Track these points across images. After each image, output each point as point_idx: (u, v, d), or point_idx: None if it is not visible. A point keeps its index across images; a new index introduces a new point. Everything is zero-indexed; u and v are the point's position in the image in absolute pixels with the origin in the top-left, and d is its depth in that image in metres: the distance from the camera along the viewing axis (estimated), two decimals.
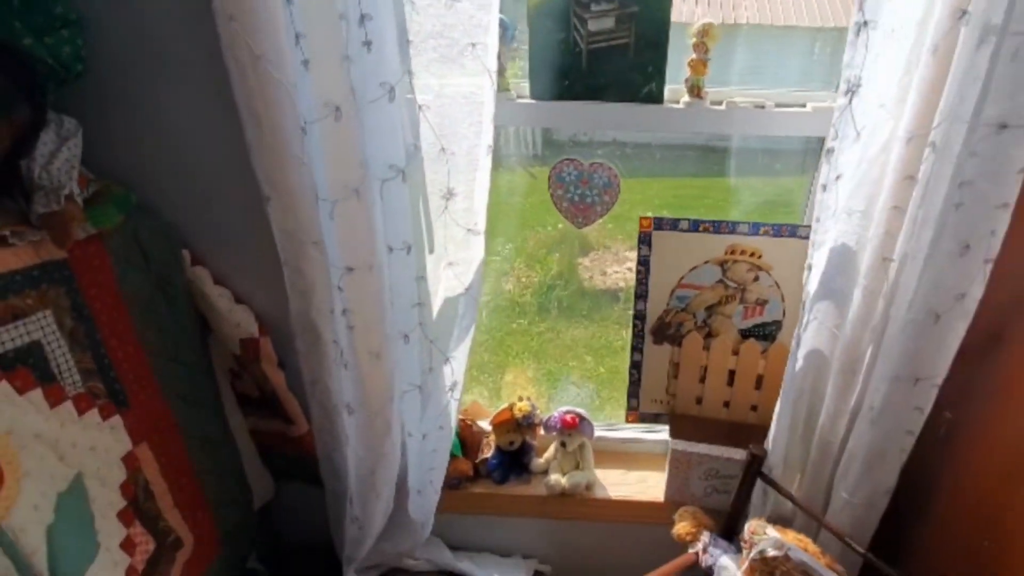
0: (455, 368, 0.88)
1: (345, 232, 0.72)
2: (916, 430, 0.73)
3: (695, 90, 0.84)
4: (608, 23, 0.83)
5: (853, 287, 0.73)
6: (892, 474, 0.76)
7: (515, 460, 1.09)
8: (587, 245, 2.07)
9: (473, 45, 0.71)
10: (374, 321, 0.77)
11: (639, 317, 1.00)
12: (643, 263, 0.96)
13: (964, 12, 0.55)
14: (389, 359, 0.79)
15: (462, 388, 0.90)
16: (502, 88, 0.87)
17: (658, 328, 0.99)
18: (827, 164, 0.68)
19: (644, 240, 0.95)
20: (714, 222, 0.91)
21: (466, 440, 1.11)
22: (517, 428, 1.05)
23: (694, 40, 0.81)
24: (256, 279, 0.86)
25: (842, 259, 0.74)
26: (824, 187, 0.69)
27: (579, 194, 0.96)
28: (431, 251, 0.88)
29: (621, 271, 1.92)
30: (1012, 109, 0.56)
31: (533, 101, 0.90)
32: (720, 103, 0.85)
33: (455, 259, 0.83)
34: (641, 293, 0.98)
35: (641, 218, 0.94)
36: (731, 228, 0.90)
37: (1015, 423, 0.63)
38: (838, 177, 0.68)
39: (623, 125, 0.88)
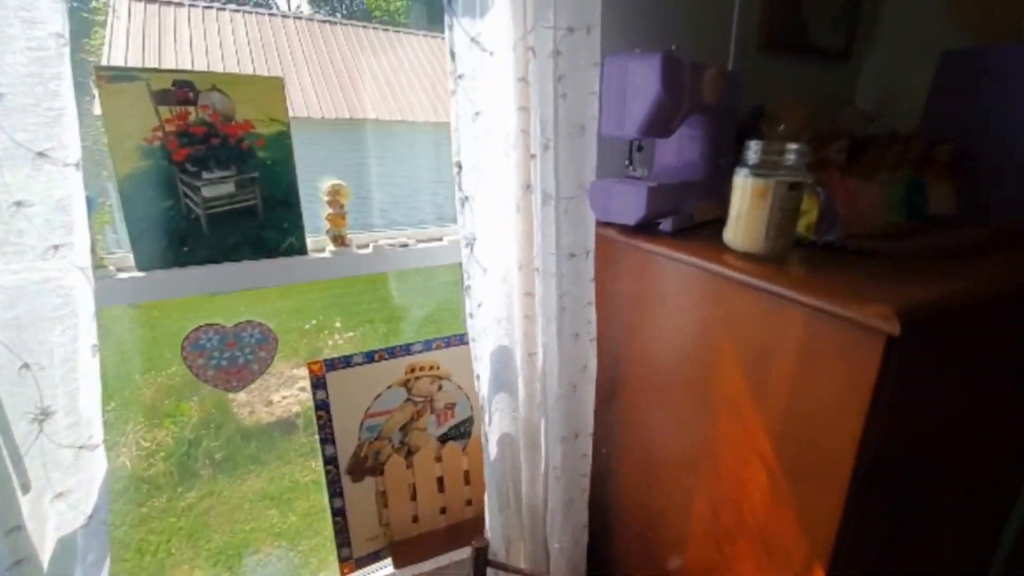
0: None
1: None
2: (588, 472, 0.95)
3: (339, 239, 0.86)
4: (227, 189, 0.76)
5: (517, 378, 0.90)
6: (583, 512, 0.97)
7: None
8: None
9: (56, 247, 0.54)
10: None
11: (331, 462, 0.94)
12: (322, 408, 0.92)
13: (529, 185, 0.77)
14: None
15: None
16: (96, 266, 0.69)
17: (355, 466, 0.96)
18: (468, 298, 0.81)
19: (318, 384, 0.91)
20: (388, 349, 0.95)
21: None
22: None
23: (327, 199, 0.84)
24: None
25: (504, 357, 0.89)
26: (471, 315, 0.82)
27: (227, 358, 0.84)
28: (26, 490, 0.63)
29: (292, 393, 1.72)
30: (575, 240, 0.81)
31: (142, 274, 0.75)
32: (367, 246, 0.90)
33: (66, 487, 0.64)
34: (327, 438, 0.93)
35: (309, 364, 0.90)
36: (406, 350, 0.96)
37: (634, 443, 0.90)
38: (480, 304, 0.82)
39: (267, 281, 0.83)
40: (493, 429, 0.92)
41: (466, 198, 0.73)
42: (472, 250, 0.77)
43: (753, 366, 0.66)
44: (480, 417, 0.91)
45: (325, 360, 0.90)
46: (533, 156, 0.76)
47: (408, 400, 0.98)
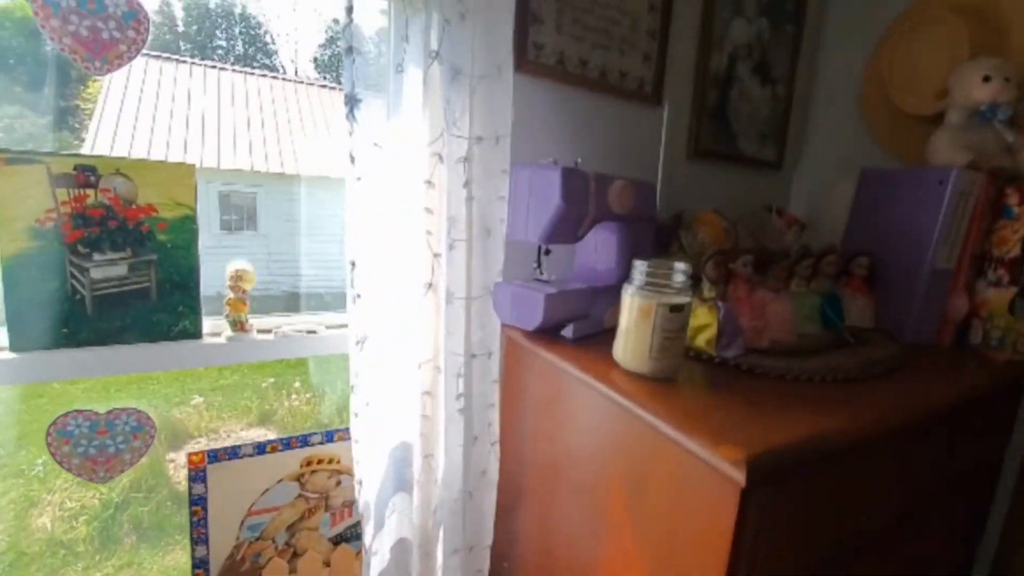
0: None
1: None
2: None
3: (238, 324, 0.83)
4: (119, 271, 0.75)
5: (414, 481, 0.85)
6: None
7: None
8: (181, 434, 1.67)
9: None
10: None
11: (201, 566, 0.87)
12: (198, 503, 0.85)
13: (431, 284, 0.77)
14: None
15: None
16: None
17: (228, 569, 0.88)
18: (354, 395, 0.77)
19: (197, 478, 0.85)
20: (283, 440, 0.90)
21: None
22: None
23: (230, 283, 0.82)
24: None
25: (405, 455, 0.85)
26: (356, 414, 0.77)
27: (95, 446, 0.79)
28: None
29: None
30: (482, 340, 0.79)
31: (15, 355, 0.72)
32: (269, 331, 0.87)
33: None
34: (200, 538, 0.86)
35: (190, 454, 0.85)
36: (303, 441, 0.91)
37: (536, 558, 0.84)
38: (367, 404, 0.78)
39: (154, 366, 0.79)
40: (385, 535, 0.86)
41: (358, 296, 0.72)
42: (362, 348, 0.75)
43: (634, 492, 0.63)
44: (363, 527, 0.84)
45: (208, 451, 0.84)
46: (437, 255, 0.76)
47: (300, 496, 0.91)
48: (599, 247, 0.90)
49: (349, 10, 0.65)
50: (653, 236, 1.02)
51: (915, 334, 0.98)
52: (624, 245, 0.89)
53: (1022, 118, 0.99)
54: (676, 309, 0.62)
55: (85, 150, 1.37)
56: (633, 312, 0.63)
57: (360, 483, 0.79)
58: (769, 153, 1.33)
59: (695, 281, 0.77)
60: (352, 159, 0.69)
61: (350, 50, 0.65)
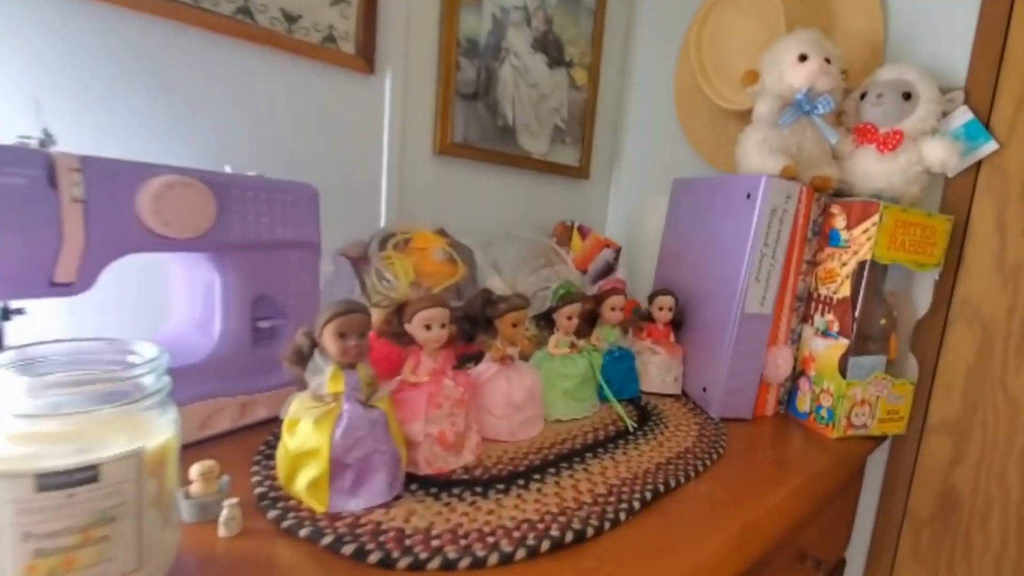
0: None
1: None
2: None
3: None
4: None
5: None
6: None
7: None
8: None
9: None
10: None
11: None
12: None
13: None
14: None
15: None
16: None
17: None
18: None
19: None
20: None
21: None
22: None
23: None
24: None
25: None
26: None
27: None
28: None
29: None
30: None
31: None
32: None
33: None
34: None
35: None
36: None
37: None
38: None
39: None
40: None
41: None
42: None
43: None
44: None
45: None
46: None
47: None
48: (202, 297, 0.52)
49: None
50: (311, 272, 0.65)
51: (724, 405, 0.69)
52: (238, 294, 0.51)
53: (850, 115, 0.75)
54: (60, 484, 0.24)
55: None
56: None
57: None
58: (568, 156, 1.02)
59: (299, 364, 0.41)
60: None
61: None
